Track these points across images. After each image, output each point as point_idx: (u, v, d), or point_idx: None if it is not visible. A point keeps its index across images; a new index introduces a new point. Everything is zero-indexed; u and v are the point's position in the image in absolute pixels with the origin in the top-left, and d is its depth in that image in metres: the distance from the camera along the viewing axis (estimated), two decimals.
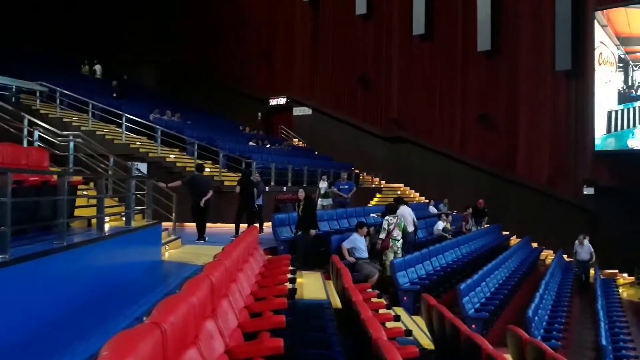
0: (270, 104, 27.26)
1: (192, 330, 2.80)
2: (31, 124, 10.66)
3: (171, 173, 14.16)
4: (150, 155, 15.00)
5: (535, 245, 19.59)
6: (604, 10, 18.83)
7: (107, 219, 7.50)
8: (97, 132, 15.33)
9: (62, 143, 10.59)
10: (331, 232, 11.87)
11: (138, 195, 8.72)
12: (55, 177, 6.21)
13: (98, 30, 26.43)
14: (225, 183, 14.25)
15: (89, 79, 23.52)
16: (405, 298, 9.04)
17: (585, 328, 10.72)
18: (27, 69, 17.97)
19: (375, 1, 24.03)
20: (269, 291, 5.36)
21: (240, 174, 12.78)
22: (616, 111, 18.68)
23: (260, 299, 5.03)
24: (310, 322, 5.46)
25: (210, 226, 11.11)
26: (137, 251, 7.64)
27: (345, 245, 9.75)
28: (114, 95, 20.53)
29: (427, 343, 6.43)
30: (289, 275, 6.39)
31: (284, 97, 26.88)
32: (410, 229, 11.51)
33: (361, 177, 22.09)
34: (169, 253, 9.15)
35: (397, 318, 5.54)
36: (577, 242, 15.67)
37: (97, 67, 24.48)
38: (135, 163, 12.79)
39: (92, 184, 9.23)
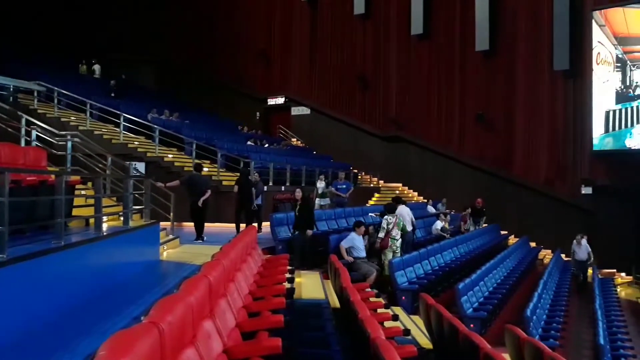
0: (269, 103, 27.24)
1: (190, 330, 2.79)
2: (29, 123, 10.64)
3: (169, 173, 14.16)
4: (148, 154, 14.99)
5: (533, 244, 19.62)
6: (602, 10, 18.86)
7: (105, 218, 7.51)
8: (95, 132, 15.32)
9: (60, 143, 10.57)
10: (329, 231, 11.88)
11: (136, 195, 8.70)
12: (52, 176, 6.20)
13: (96, 30, 26.42)
14: (224, 183, 14.25)
15: (87, 79, 23.49)
16: (403, 297, 9.05)
17: (583, 327, 10.73)
18: (25, 69, 17.94)
19: (374, 1, 24.03)
20: (267, 291, 5.36)
21: (238, 174, 12.77)
22: (614, 111, 18.71)
23: (258, 298, 5.03)
24: (308, 322, 5.46)
25: (208, 226, 11.10)
26: (135, 251, 7.63)
27: (344, 244, 9.75)
28: (112, 94, 20.50)
29: (425, 342, 6.43)
30: (287, 275, 6.38)
31: (282, 97, 26.87)
32: (409, 228, 11.52)
33: (359, 177, 22.09)
34: (167, 253, 9.15)
35: (395, 317, 5.54)
36: (574, 241, 15.69)
37: (96, 67, 24.45)
38: (133, 163, 12.75)
39: (90, 184, 9.21)
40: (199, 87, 27.73)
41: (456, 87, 22.13)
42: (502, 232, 19.85)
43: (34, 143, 10.07)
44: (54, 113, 15.98)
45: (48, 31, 24.55)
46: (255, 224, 12.22)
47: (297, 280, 7.50)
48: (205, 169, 13.06)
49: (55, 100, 16.42)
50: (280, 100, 26.94)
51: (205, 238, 10.59)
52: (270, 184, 15.31)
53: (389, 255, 9.99)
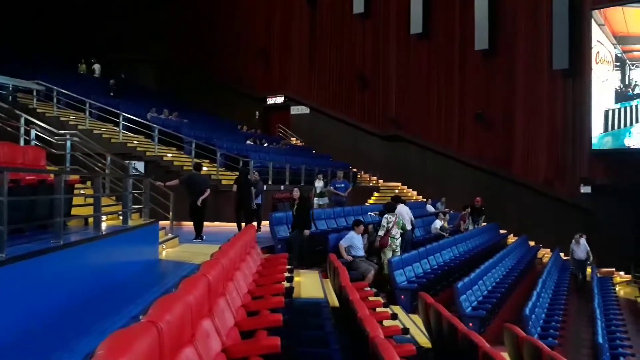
0: (268, 102, 27.23)
1: (189, 329, 2.79)
2: (28, 122, 10.64)
3: (168, 172, 14.16)
4: (148, 154, 14.98)
5: (532, 243, 19.63)
6: (601, 9, 18.86)
7: (104, 218, 7.51)
8: (94, 131, 15.31)
9: (59, 142, 10.57)
10: (328, 230, 11.88)
11: (135, 194, 8.70)
12: (52, 176, 6.20)
13: (96, 30, 26.41)
14: (223, 182, 14.25)
15: (86, 78, 23.47)
16: (402, 296, 9.05)
17: (582, 326, 10.74)
18: (24, 69, 17.92)
19: (373, 0, 24.02)
20: (266, 290, 5.36)
21: (237, 173, 12.78)
22: (613, 110, 18.71)
23: (257, 297, 5.03)
24: (307, 321, 5.47)
25: (207, 225, 11.10)
26: (134, 250, 7.64)
27: (343, 243, 9.75)
28: (111, 94, 20.49)
29: (424, 341, 6.44)
30: (286, 274, 6.39)
31: (281, 96, 26.86)
32: (408, 227, 11.53)
33: (359, 176, 22.10)
34: (166, 252, 9.15)
35: (394, 316, 5.55)
36: (573, 241, 15.69)
37: (96, 67, 24.44)
38: (133, 162, 12.76)
39: (89, 183, 9.22)
40: (199, 87, 27.72)
41: (456, 87, 22.13)
42: (501, 231, 19.86)
43: (33, 142, 10.07)
44: (53, 112, 15.97)
45: (48, 31, 24.55)
46: (255, 223, 12.24)
47: (296, 279, 7.51)
48: (204, 168, 13.06)
49: (55, 100, 16.41)
50: (280, 99, 26.93)
51: (204, 237, 10.59)
52: (270, 183, 15.31)
53: (389, 254, 9.99)
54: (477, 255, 13.68)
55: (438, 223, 15.19)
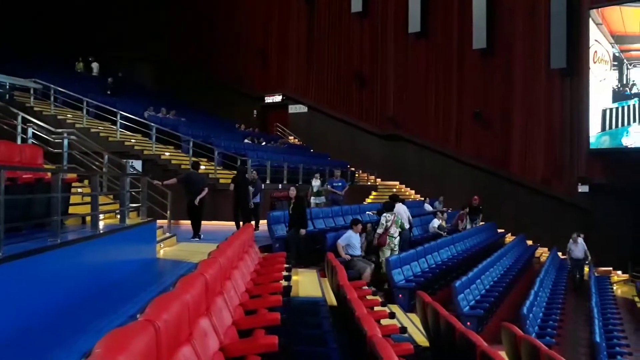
0: (266, 101, 27.21)
1: (186, 328, 2.79)
2: (25, 121, 10.61)
3: (166, 171, 14.13)
4: (145, 152, 14.95)
5: (530, 243, 19.66)
6: (599, 9, 18.88)
7: (101, 216, 7.48)
8: (92, 130, 15.27)
9: (56, 140, 10.55)
10: (326, 229, 11.88)
11: (133, 193, 8.69)
12: (49, 174, 6.18)
13: (95, 30, 26.36)
14: (221, 181, 14.23)
15: (84, 76, 23.41)
16: (400, 295, 9.05)
17: (579, 325, 10.76)
18: (21, 66, 17.87)
19: None
20: (264, 289, 5.36)
21: (235, 172, 12.76)
22: (611, 109, 18.74)
23: (255, 296, 5.03)
24: (305, 320, 5.46)
25: (205, 224, 11.10)
26: (131, 249, 7.62)
27: (341, 242, 9.76)
28: (108, 92, 20.44)
29: (422, 340, 6.44)
30: (284, 273, 6.38)
31: (279, 95, 26.84)
32: (406, 226, 11.53)
33: (357, 175, 22.09)
34: (164, 251, 9.13)
35: (392, 315, 5.55)
36: (571, 240, 15.72)
37: (94, 65, 24.38)
38: (130, 160, 12.75)
39: (86, 182, 9.19)
40: (198, 87, 27.67)
41: (454, 86, 22.14)
42: (499, 231, 19.88)
43: (30, 141, 10.05)
44: (50, 111, 15.93)
45: (48, 31, 24.52)
46: (253, 222, 12.23)
47: (294, 278, 7.50)
48: (202, 167, 13.05)
49: (52, 98, 16.36)
50: (278, 98, 26.91)
51: (202, 236, 10.58)
52: (268, 182, 15.30)
53: (387, 253, 9.99)
54: (475, 255, 13.69)
55: (436, 222, 15.20)
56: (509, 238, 19.69)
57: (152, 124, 15.75)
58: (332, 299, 7.00)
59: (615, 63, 18.72)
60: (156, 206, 10.42)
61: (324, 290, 7.80)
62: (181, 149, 16.15)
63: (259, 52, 27.13)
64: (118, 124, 15.46)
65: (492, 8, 20.98)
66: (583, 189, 19.17)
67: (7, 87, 16.13)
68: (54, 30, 24.73)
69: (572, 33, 19.31)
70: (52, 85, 16.42)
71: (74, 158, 10.64)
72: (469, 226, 16.79)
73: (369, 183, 22.58)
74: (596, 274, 15.80)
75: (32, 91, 16.53)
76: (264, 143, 21.68)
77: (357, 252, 9.84)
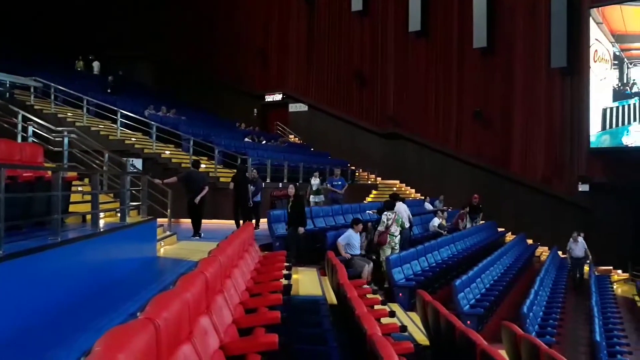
0: (266, 100, 27.20)
1: (187, 326, 2.79)
2: (25, 119, 10.61)
3: (166, 169, 14.13)
4: (146, 151, 14.96)
5: (530, 242, 19.66)
6: (599, 8, 18.86)
7: (102, 215, 7.48)
8: (92, 128, 15.27)
9: (57, 139, 10.56)
10: (327, 228, 11.89)
11: (133, 192, 8.69)
12: (49, 173, 6.18)
13: (95, 30, 26.36)
14: (221, 179, 14.23)
15: (84, 75, 23.41)
16: (400, 294, 9.06)
17: (579, 324, 10.76)
18: (21, 65, 17.86)
19: None
20: (264, 287, 5.36)
21: (235, 170, 12.77)
22: (611, 108, 18.72)
23: (255, 294, 5.03)
24: (305, 318, 5.47)
25: (206, 222, 11.09)
26: (132, 247, 7.62)
27: (341, 241, 9.76)
28: (109, 90, 20.44)
29: (422, 339, 6.44)
30: (284, 272, 6.39)
31: (279, 94, 26.83)
32: (406, 225, 11.53)
33: (357, 174, 22.09)
34: (164, 249, 9.14)
35: (392, 314, 5.55)
36: (571, 239, 15.72)
37: (95, 64, 24.37)
38: (131, 159, 12.75)
39: (86, 180, 9.19)
40: (198, 87, 27.65)
41: (454, 85, 22.12)
42: (499, 229, 19.88)
43: (31, 139, 10.05)
44: (50, 109, 15.93)
45: (48, 31, 24.53)
46: (254, 221, 12.24)
47: (294, 276, 7.51)
48: (202, 166, 13.05)
49: (52, 96, 16.36)
50: (278, 97, 26.90)
51: (202, 234, 10.58)
52: (268, 180, 15.30)
53: (388, 252, 10.00)
54: (475, 253, 13.69)
55: (436, 221, 15.20)
56: (509, 237, 19.69)
57: (153, 122, 15.75)
58: (332, 298, 7.00)
59: (616, 62, 18.70)
60: (156, 205, 10.41)
61: (324, 289, 7.81)
62: (181, 147, 16.15)
63: (259, 51, 27.11)
64: (118, 123, 15.46)
65: (492, 7, 20.96)
66: (583, 188, 19.16)
67: (8, 85, 16.11)
68: (54, 30, 24.74)
69: (573, 32, 19.29)
70: (52, 84, 16.41)
71: (74, 156, 10.64)
72: (469, 225, 16.79)
73: (369, 182, 22.58)
74: (596, 273, 15.79)
75: (32, 89, 16.52)
76: (264, 142, 21.68)
77: (357, 251, 9.86)
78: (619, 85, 18.69)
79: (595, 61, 18.88)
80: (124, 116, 15.84)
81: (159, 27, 28.01)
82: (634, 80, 18.47)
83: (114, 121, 15.76)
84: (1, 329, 4.03)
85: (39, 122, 10.93)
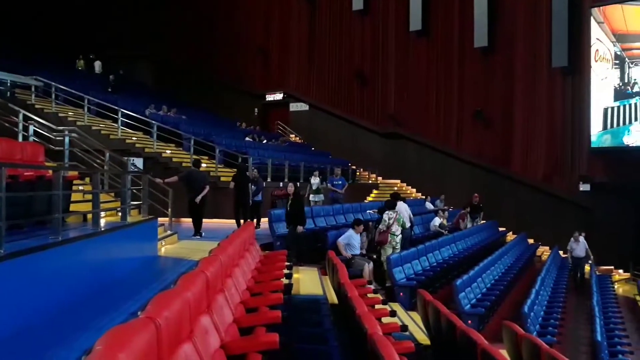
0: (267, 99, 27.19)
1: (187, 325, 2.79)
2: (26, 118, 10.61)
3: (167, 168, 14.13)
4: (147, 150, 14.96)
5: (531, 241, 19.65)
6: (601, 7, 18.84)
7: (102, 214, 7.49)
8: (93, 127, 15.27)
9: (58, 138, 10.57)
10: (327, 227, 11.89)
11: (134, 191, 8.69)
12: (50, 172, 6.18)
13: (96, 30, 26.37)
14: (222, 179, 14.23)
15: (85, 74, 23.41)
16: (401, 294, 9.06)
17: (580, 324, 10.76)
18: (22, 65, 17.85)
19: None
20: (265, 286, 5.36)
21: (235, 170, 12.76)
22: (612, 108, 18.71)
23: (256, 294, 5.03)
24: (306, 318, 5.47)
25: (206, 222, 11.09)
26: (133, 246, 7.62)
27: (341, 241, 9.76)
28: (109, 89, 20.44)
29: (422, 338, 6.44)
30: (285, 271, 6.38)
31: (280, 93, 26.82)
32: (407, 225, 11.53)
33: (358, 173, 22.09)
34: (165, 248, 9.14)
35: (393, 313, 5.55)
36: (572, 239, 15.71)
37: (97, 63, 24.37)
38: (131, 158, 12.75)
39: (87, 179, 9.19)
40: (198, 87, 27.63)
41: (454, 84, 22.11)
42: (500, 229, 19.87)
43: (32, 138, 10.06)
44: (51, 108, 15.93)
45: (48, 31, 24.55)
46: (255, 220, 12.25)
47: (295, 276, 7.50)
48: (203, 165, 13.05)
49: (53, 96, 16.36)
50: (279, 96, 26.89)
51: (203, 234, 10.58)
52: (269, 180, 15.30)
53: (389, 251, 10.00)
54: (476, 253, 13.69)
55: (437, 220, 15.20)
56: (510, 236, 19.69)
57: (154, 121, 15.75)
58: (333, 297, 7.00)
59: (617, 61, 18.68)
60: (157, 204, 10.41)
61: (325, 288, 7.80)
62: (182, 146, 16.15)
63: (259, 50, 27.10)
64: (119, 122, 15.46)
65: (493, 6, 20.94)
66: (584, 187, 19.15)
67: (9, 84, 16.12)
68: (54, 30, 24.78)
69: (574, 31, 19.27)
70: (53, 83, 16.41)
71: (75, 156, 10.64)
72: (469, 225, 16.79)
73: (370, 181, 22.57)
74: (597, 273, 15.78)
75: (33, 89, 16.52)
76: (265, 141, 21.67)
77: (357, 251, 9.88)
78: (620, 84, 18.67)
79: (596, 61, 18.86)
80: (125, 115, 15.84)
81: (159, 27, 28.00)
82: (635, 79, 18.45)
83: (115, 120, 15.76)
84: (2, 327, 4.03)
85: (40, 121, 10.93)
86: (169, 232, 9.96)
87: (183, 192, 10.69)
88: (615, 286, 15.72)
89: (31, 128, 10.21)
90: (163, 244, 9.14)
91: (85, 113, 16.15)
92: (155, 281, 6.71)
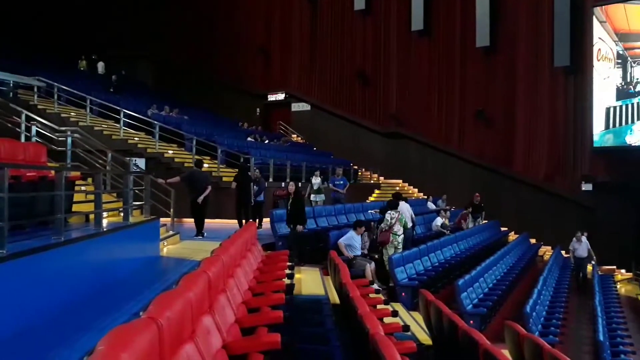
0: (269, 99, 27.20)
1: (189, 325, 2.79)
2: (29, 119, 10.63)
3: (169, 169, 14.14)
4: (149, 150, 14.99)
5: (533, 241, 19.62)
6: (603, 7, 18.82)
7: (105, 214, 7.50)
8: (95, 128, 15.29)
9: (60, 138, 10.58)
10: (329, 227, 11.89)
11: (136, 191, 8.70)
12: (52, 172, 6.20)
13: (96, 30, 26.40)
14: (224, 179, 14.24)
15: (87, 75, 23.44)
16: (403, 294, 9.06)
17: (582, 324, 10.74)
18: (22, 64, 17.88)
19: None
20: (267, 286, 5.36)
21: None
22: (614, 107, 18.69)
23: (258, 294, 5.03)
24: (308, 318, 5.47)
25: (209, 222, 11.10)
26: (135, 247, 7.63)
27: (342, 241, 9.76)
28: (111, 90, 20.47)
29: (424, 338, 6.44)
30: (287, 271, 6.39)
31: (282, 93, 26.83)
32: (409, 225, 11.52)
33: (359, 173, 22.08)
34: (168, 249, 9.15)
35: (395, 313, 5.55)
36: (574, 239, 15.69)
37: (100, 64, 24.40)
38: (134, 159, 12.77)
39: (90, 180, 9.21)
40: (199, 87, 27.64)
41: (456, 84, 22.10)
42: (502, 229, 19.85)
43: (34, 139, 10.07)
44: (53, 109, 15.95)
45: (48, 31, 24.58)
46: (257, 220, 12.25)
47: (296, 276, 7.51)
48: (205, 165, 13.06)
49: (55, 96, 16.38)
50: (281, 96, 26.90)
51: (205, 234, 10.59)
52: (271, 180, 15.30)
53: (391, 251, 10.00)
54: (478, 253, 13.68)
55: (439, 220, 15.19)
56: (512, 236, 19.66)
57: (156, 122, 15.77)
58: (334, 297, 7.00)
59: (619, 61, 18.65)
60: (159, 204, 10.42)
61: (327, 289, 7.81)
62: (184, 147, 16.17)
63: (261, 50, 27.10)
64: (121, 122, 15.48)
65: (495, 6, 20.92)
66: (587, 187, 19.13)
67: (11, 85, 16.15)
68: (54, 30, 24.81)
69: (576, 31, 19.25)
70: (55, 84, 16.43)
71: (78, 156, 10.66)
72: (471, 225, 16.77)
73: (372, 181, 22.57)
74: (599, 273, 15.76)
75: (35, 89, 16.55)
76: (266, 141, 21.68)
77: (358, 252, 9.88)
78: (623, 84, 18.64)
79: (598, 60, 18.84)
80: (127, 116, 15.86)
81: (159, 27, 28.03)
82: (637, 79, 18.43)
83: (117, 121, 15.78)
84: (5, 328, 4.04)
85: (43, 121, 10.95)
86: (171, 233, 9.97)
87: (185, 192, 10.70)
88: (618, 286, 15.71)
89: (34, 128, 10.22)
90: (165, 244, 9.15)
91: (87, 113, 16.16)
92: (158, 281, 6.72)
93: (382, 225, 10.23)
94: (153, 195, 9.44)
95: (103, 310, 5.12)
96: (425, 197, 20.60)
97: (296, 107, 26.46)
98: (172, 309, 2.51)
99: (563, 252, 17.58)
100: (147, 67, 29.07)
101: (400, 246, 10.30)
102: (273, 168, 15.79)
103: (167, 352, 2.33)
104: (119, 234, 6.90)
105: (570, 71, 19.55)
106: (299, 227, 10.16)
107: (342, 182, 15.10)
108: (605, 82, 18.77)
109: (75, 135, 10.84)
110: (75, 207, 7.25)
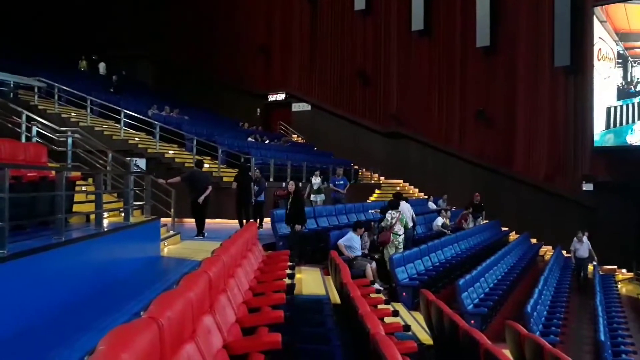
0: (269, 99, 27.20)
1: (190, 325, 2.79)
2: (29, 119, 10.63)
3: (170, 169, 14.15)
4: (149, 151, 14.99)
5: (534, 241, 19.61)
6: (603, 6, 18.81)
7: (105, 214, 7.50)
8: (96, 128, 15.30)
9: (61, 139, 10.58)
10: (330, 227, 11.88)
11: (137, 191, 8.70)
12: (53, 172, 6.20)
13: (96, 30, 26.43)
14: (225, 179, 14.24)
15: (87, 75, 23.45)
16: (404, 293, 9.06)
17: (583, 324, 10.74)
18: (22, 65, 17.89)
19: None
20: (268, 286, 5.36)
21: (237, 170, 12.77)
22: (615, 107, 18.68)
23: (258, 294, 5.03)
24: (308, 318, 5.47)
25: (209, 222, 11.10)
26: (135, 247, 7.63)
27: (342, 242, 9.76)
28: (111, 90, 20.47)
29: (425, 338, 6.44)
30: (288, 271, 6.39)
31: (282, 93, 26.83)
32: (410, 224, 11.52)
33: (360, 173, 22.08)
34: (168, 249, 9.15)
35: (395, 313, 5.55)
36: (575, 239, 15.68)
37: (101, 65, 24.41)
38: (134, 159, 12.77)
39: (90, 180, 9.22)
40: (199, 87, 27.65)
41: (457, 84, 22.09)
42: (503, 229, 19.84)
43: (35, 139, 10.07)
44: (54, 109, 15.96)
45: (48, 31, 24.60)
46: (257, 220, 12.24)
47: (297, 276, 7.51)
48: (206, 165, 13.06)
49: (56, 97, 16.39)
50: (281, 96, 26.90)
51: (206, 234, 10.59)
52: (271, 180, 15.30)
53: (392, 251, 10.00)
54: (479, 253, 13.68)
55: (440, 220, 15.19)
56: (513, 236, 19.65)
57: (156, 122, 15.77)
58: (335, 297, 7.00)
59: (620, 60, 18.65)
60: (160, 204, 10.42)
61: (328, 288, 7.80)
62: (185, 147, 16.18)
63: (261, 50, 27.09)
64: (122, 123, 15.49)
65: (495, 6, 20.91)
66: (587, 187, 19.12)
67: (12, 85, 16.15)
68: (54, 30, 24.82)
69: (576, 30, 19.24)
70: (56, 84, 16.44)
71: (78, 156, 10.66)
72: (472, 225, 16.76)
73: (372, 181, 22.56)
74: (600, 272, 15.75)
75: (36, 89, 16.55)
76: (267, 141, 21.67)
77: (358, 253, 9.87)
78: (623, 83, 18.63)
79: (599, 60, 18.83)
80: (127, 116, 15.86)
81: (159, 27, 28.04)
82: (638, 78, 18.42)
83: (118, 121, 15.79)
84: (5, 328, 4.04)
85: (43, 122, 10.95)
86: (171, 233, 9.97)
87: (186, 192, 10.70)
88: (619, 286, 15.70)
89: (34, 129, 10.22)
90: (166, 244, 9.15)
91: (87, 114, 16.16)
92: (158, 281, 6.72)
93: (382, 224, 10.23)
94: (154, 196, 9.44)
95: (103, 310, 5.12)
96: (426, 197, 20.58)
97: (296, 107, 26.46)
98: (172, 309, 2.51)
99: (564, 251, 17.58)
100: (147, 67, 29.09)
101: (401, 246, 10.30)
102: (273, 168, 15.79)
103: (167, 352, 2.33)
104: (119, 234, 6.90)
105: (570, 71, 19.55)
106: (297, 227, 10.15)
107: (342, 182, 15.09)
108: (605, 82, 18.77)
109: (76, 135, 10.84)
110: (75, 208, 7.25)
